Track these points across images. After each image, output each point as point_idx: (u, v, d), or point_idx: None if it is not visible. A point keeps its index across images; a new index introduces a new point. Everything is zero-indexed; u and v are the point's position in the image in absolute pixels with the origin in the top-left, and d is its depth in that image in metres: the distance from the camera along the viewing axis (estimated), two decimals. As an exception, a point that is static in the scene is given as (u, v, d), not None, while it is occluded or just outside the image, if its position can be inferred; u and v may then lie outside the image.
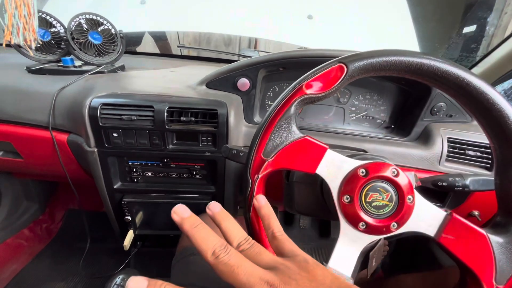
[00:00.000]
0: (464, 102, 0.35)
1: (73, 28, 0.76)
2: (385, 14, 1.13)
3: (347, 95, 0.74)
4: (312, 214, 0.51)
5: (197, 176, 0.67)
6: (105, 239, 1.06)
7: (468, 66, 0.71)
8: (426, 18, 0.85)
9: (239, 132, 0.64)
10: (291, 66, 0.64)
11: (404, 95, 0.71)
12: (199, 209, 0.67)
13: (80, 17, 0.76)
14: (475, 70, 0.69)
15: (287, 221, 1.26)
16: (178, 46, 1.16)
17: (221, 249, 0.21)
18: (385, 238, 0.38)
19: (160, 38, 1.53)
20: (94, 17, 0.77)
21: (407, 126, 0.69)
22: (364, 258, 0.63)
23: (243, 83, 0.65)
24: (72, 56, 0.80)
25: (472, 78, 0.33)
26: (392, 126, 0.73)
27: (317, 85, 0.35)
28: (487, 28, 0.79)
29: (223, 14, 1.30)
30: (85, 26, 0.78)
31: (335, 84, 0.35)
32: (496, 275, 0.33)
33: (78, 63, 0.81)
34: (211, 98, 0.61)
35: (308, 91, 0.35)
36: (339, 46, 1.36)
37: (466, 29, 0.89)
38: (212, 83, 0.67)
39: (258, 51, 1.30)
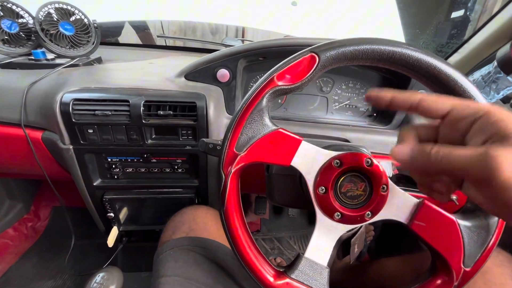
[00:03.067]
0: (436, 90, 0.35)
1: (42, 19, 0.72)
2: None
3: (330, 84, 0.73)
4: (292, 205, 0.52)
5: (180, 170, 0.66)
6: (93, 235, 1.05)
7: (449, 52, 0.71)
8: (409, 4, 0.84)
9: (220, 124, 0.63)
10: (271, 56, 0.63)
11: (386, 83, 0.70)
12: (183, 203, 0.67)
13: (49, 6, 0.72)
14: (456, 56, 0.69)
15: (276, 210, 1.28)
16: (158, 36, 1.11)
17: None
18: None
19: (141, 28, 1.47)
20: (64, 6, 0.73)
21: (389, 114, 0.69)
22: (347, 245, 0.65)
23: (223, 74, 0.63)
24: (43, 49, 0.76)
25: (444, 66, 0.32)
26: (375, 114, 0.73)
27: (289, 76, 0.34)
28: (469, 13, 0.79)
29: (208, 1, 1.26)
30: (55, 16, 0.73)
31: (308, 75, 0.34)
32: (464, 258, 0.34)
33: (50, 56, 0.77)
34: (189, 90, 0.60)
35: (280, 83, 0.34)
36: (325, 33, 1.35)
37: (452, 15, 0.89)
38: (191, 74, 0.65)
39: (241, 40, 1.27)
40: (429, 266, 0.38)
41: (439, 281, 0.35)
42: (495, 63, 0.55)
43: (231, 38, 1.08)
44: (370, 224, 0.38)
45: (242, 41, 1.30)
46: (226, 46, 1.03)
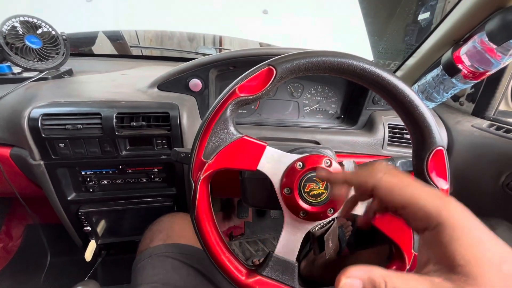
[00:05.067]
0: (382, 95, 0.39)
1: (6, 32, 0.71)
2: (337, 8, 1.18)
3: (300, 89, 0.77)
4: (265, 206, 0.54)
5: (156, 179, 0.67)
6: (70, 251, 1.02)
7: (405, 57, 0.77)
8: (366, 14, 0.90)
9: (194, 132, 0.63)
10: (241, 65, 0.66)
11: (351, 87, 0.76)
12: (161, 212, 0.67)
13: (13, 19, 0.71)
14: (411, 60, 0.75)
15: (259, 213, 1.30)
16: (130, 46, 1.11)
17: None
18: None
19: (115, 38, 1.45)
20: (30, 19, 0.72)
21: (355, 115, 0.74)
22: (322, 241, 0.68)
23: (195, 83, 0.65)
24: (9, 63, 0.74)
25: (386, 74, 0.37)
26: (342, 116, 0.78)
27: (249, 88, 0.37)
28: (422, 22, 0.87)
29: (179, 10, 1.27)
30: (20, 29, 0.72)
31: (266, 86, 0.37)
32: (414, 244, 0.38)
33: (17, 70, 0.75)
34: (162, 100, 0.61)
35: (242, 94, 0.37)
36: (299, 39, 1.40)
37: (408, 21, 0.97)
38: (163, 85, 0.66)
39: (219, 48, 1.30)
40: (388, 254, 0.42)
41: (394, 267, 0.39)
42: (441, 66, 0.62)
43: (205, 47, 1.10)
44: (335, 218, 0.42)
45: (220, 49, 1.32)
46: (202, 54, 1.05)
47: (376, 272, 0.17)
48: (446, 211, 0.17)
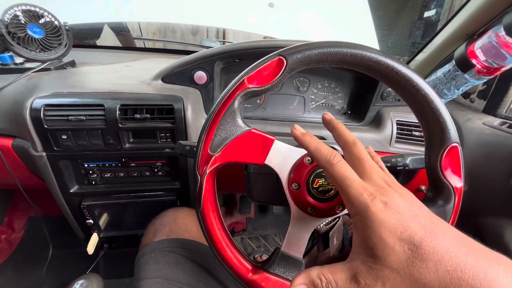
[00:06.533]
0: (396, 88, 0.37)
1: (8, 21, 0.69)
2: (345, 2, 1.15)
3: (306, 84, 0.76)
4: (270, 202, 0.53)
5: (160, 173, 0.66)
6: (72, 244, 1.02)
7: (414, 52, 0.75)
8: (376, 6, 0.88)
9: (199, 126, 0.63)
10: (246, 57, 0.64)
11: (358, 82, 0.74)
12: (164, 206, 0.67)
13: (16, 8, 0.69)
14: (421, 55, 0.74)
15: (261, 208, 1.30)
16: (135, 38, 1.09)
17: (334, 157, 0.24)
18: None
19: (120, 30, 1.43)
20: (32, 8, 0.71)
21: (362, 111, 0.73)
22: (326, 238, 0.67)
23: (200, 76, 0.63)
24: (11, 53, 0.73)
25: (401, 67, 0.35)
26: (349, 112, 0.77)
27: (258, 79, 0.36)
28: (433, 16, 0.85)
29: (186, 3, 1.25)
30: (22, 18, 0.71)
31: (276, 77, 0.35)
32: None
33: (19, 60, 0.74)
34: (166, 93, 0.60)
35: (250, 85, 0.35)
36: (304, 33, 1.38)
37: (419, 16, 0.95)
38: (168, 77, 0.65)
39: (222, 41, 1.28)
40: None
41: None
42: (453, 62, 0.60)
43: (209, 40, 1.08)
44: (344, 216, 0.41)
45: (223, 42, 1.30)
46: (205, 47, 1.03)
47: (313, 273, 0.21)
48: (365, 205, 0.20)
